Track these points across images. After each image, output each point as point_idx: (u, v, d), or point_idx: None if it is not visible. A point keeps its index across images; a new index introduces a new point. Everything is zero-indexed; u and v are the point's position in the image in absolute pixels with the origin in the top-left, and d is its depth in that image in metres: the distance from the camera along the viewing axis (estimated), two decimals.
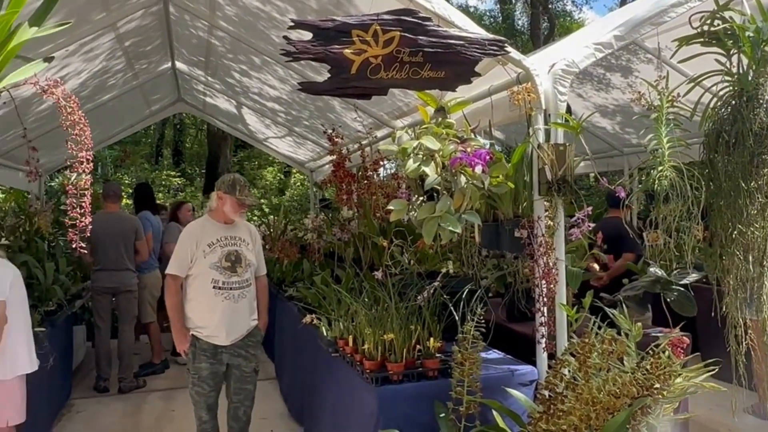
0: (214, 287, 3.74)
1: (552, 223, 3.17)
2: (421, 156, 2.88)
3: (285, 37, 2.64)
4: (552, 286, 3.13)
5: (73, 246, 2.41)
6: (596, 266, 4.60)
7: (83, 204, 2.44)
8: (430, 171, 2.82)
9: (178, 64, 6.97)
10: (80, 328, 6.89)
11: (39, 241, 5.70)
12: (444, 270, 3.74)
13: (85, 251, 2.50)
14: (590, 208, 3.19)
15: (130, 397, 5.97)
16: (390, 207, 2.94)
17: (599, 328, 2.81)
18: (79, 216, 2.42)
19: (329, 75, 2.71)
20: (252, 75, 6.22)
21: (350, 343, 3.35)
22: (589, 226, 3.19)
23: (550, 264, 3.11)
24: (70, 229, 2.41)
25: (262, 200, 15.07)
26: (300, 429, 4.83)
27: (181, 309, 3.84)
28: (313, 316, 3.90)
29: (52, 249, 5.99)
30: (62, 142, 2.54)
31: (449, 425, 2.89)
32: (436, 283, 3.46)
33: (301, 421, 4.89)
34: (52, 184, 9.30)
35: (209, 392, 3.80)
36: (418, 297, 3.39)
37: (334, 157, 5.17)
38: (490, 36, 2.89)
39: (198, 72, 7.16)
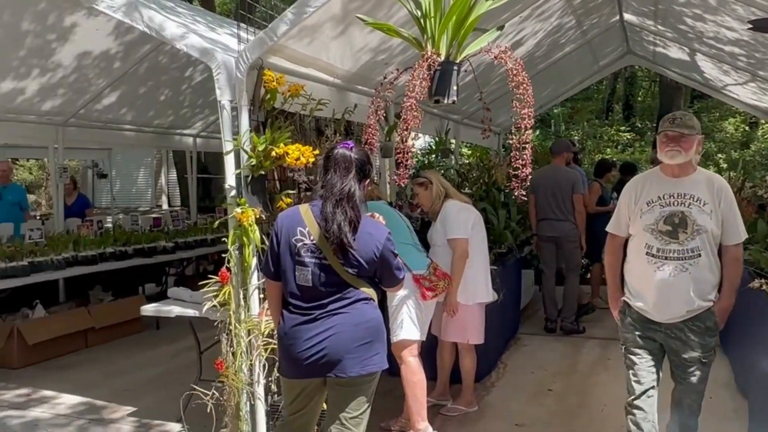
0: (646, 254, 3.20)
1: None
2: None
3: None
4: None
5: (515, 195, 2.76)
6: None
7: (525, 156, 2.76)
8: None
9: (627, 16, 6.89)
10: (528, 272, 7.59)
11: (495, 192, 6.53)
12: None
13: (524, 198, 2.84)
14: None
15: (569, 340, 6.37)
16: None
17: None
18: (520, 167, 2.75)
19: None
20: (706, 18, 5.73)
21: None
22: None
23: None
24: (513, 179, 2.77)
25: (720, 155, 13.63)
26: (743, 402, 4.45)
27: (618, 271, 3.50)
28: (763, 281, 3.53)
29: (506, 198, 6.73)
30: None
31: None
32: None
33: (746, 393, 4.50)
34: (510, 141, 10.32)
35: (635, 367, 3.26)
36: None
37: None
38: None
39: (648, 22, 6.93)
